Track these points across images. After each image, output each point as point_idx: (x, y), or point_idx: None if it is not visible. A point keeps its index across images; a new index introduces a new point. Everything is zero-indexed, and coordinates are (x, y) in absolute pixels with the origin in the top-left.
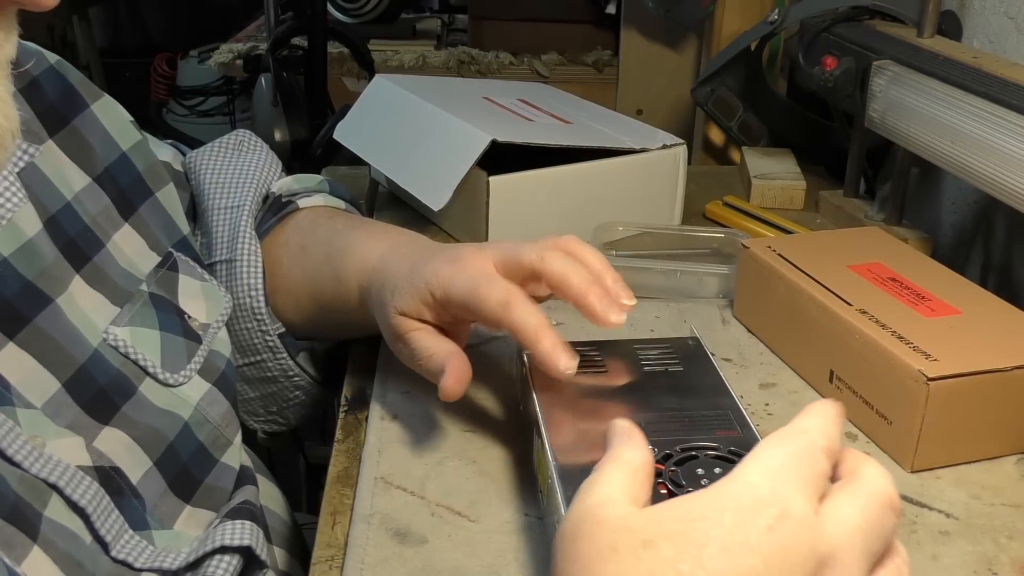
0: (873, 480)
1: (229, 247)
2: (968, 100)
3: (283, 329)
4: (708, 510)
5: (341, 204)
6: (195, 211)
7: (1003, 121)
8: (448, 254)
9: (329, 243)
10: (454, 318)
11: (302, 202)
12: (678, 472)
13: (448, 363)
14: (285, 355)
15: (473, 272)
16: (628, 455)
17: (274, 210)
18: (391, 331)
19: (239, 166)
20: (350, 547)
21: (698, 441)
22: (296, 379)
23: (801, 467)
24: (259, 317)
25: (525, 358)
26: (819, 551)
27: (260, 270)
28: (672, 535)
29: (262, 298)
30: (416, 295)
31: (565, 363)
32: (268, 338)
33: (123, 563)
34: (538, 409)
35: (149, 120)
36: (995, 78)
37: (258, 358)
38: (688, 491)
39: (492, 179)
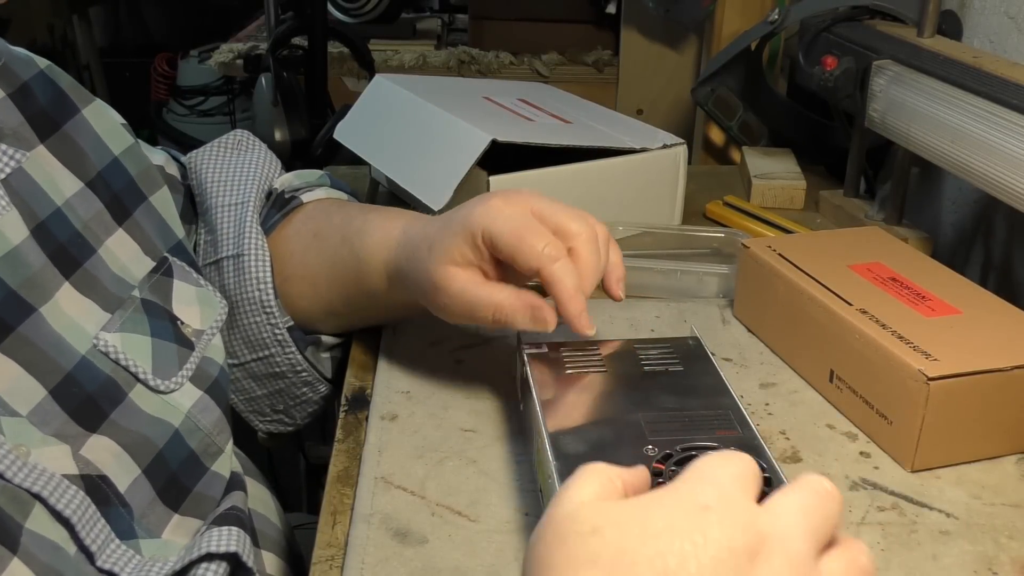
0: (809, 477)
1: (236, 243)
2: (968, 100)
3: (292, 322)
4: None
5: (344, 196)
6: (194, 210)
7: (1003, 121)
8: (480, 199)
9: (345, 226)
10: (494, 260)
11: (305, 196)
12: (678, 472)
13: (544, 312)
14: (294, 349)
15: (514, 213)
16: (601, 466)
17: (278, 206)
18: (436, 284)
19: (240, 164)
20: (350, 547)
21: (698, 441)
22: (304, 374)
23: (747, 475)
24: (268, 310)
25: (525, 357)
26: (755, 529)
27: (268, 263)
28: (617, 523)
29: (271, 291)
30: (459, 239)
31: (590, 327)
32: (277, 331)
33: (109, 573)
34: (538, 408)
35: (149, 120)
36: (995, 78)
37: (266, 353)
38: None
39: (492, 179)
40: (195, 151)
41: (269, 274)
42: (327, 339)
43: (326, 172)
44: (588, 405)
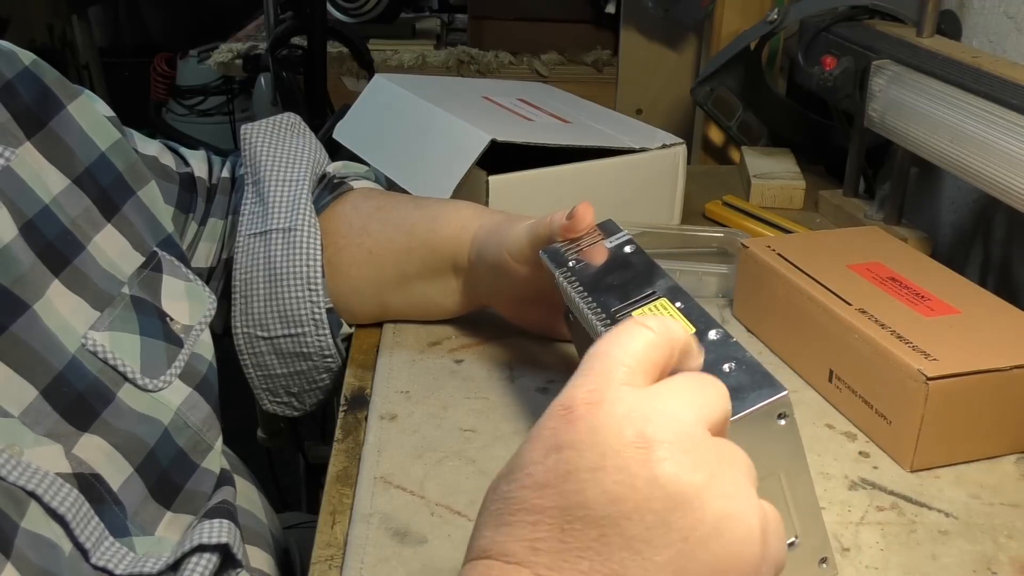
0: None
1: (288, 217)
2: (968, 100)
3: (331, 305)
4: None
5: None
6: (193, 199)
7: (1003, 121)
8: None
9: (416, 198)
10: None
11: (355, 183)
12: None
13: None
14: (327, 332)
15: None
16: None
17: (329, 189)
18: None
19: (294, 146)
20: (350, 547)
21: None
22: (329, 360)
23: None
24: (313, 287)
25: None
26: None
27: (319, 242)
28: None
29: (319, 269)
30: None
31: None
32: (316, 311)
33: (103, 570)
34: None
35: (149, 120)
36: (995, 78)
37: (300, 330)
38: None
39: (492, 179)
40: (248, 124)
41: (319, 252)
42: (345, 329)
43: (371, 168)
44: None
